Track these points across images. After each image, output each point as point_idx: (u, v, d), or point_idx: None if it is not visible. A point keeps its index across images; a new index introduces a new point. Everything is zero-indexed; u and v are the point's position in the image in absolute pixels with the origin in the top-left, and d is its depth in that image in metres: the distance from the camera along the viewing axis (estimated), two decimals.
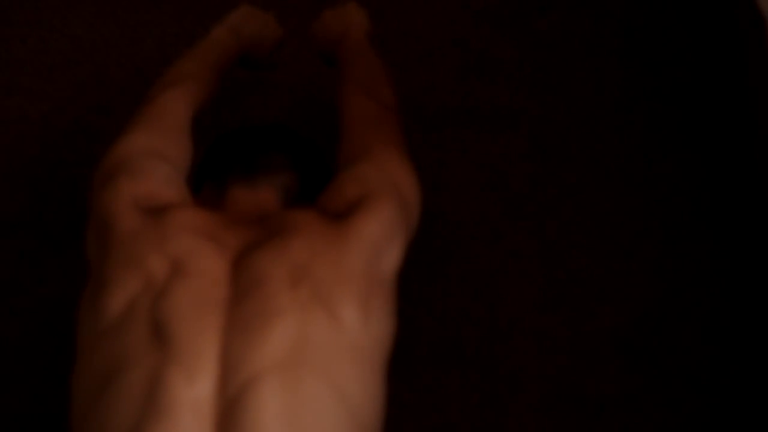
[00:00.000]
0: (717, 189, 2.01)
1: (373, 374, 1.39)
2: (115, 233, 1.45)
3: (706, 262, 1.96)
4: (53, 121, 2.10)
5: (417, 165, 2.06)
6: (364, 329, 1.39)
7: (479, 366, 1.88)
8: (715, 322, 1.92)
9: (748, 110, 2.05)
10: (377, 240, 1.46)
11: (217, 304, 1.38)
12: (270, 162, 1.61)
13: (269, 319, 1.35)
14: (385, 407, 1.41)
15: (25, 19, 2.19)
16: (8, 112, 2.10)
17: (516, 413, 1.85)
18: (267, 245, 1.43)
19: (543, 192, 2.02)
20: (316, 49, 1.89)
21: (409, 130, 2.09)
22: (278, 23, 1.88)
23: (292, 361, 1.33)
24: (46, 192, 2.02)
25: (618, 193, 2.02)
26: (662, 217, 2.00)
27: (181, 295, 1.37)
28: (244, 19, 1.83)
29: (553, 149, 2.06)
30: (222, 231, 1.47)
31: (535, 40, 2.15)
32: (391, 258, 1.47)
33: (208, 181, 1.62)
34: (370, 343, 1.39)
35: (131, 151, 1.57)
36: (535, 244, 1.98)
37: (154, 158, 1.56)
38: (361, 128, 1.63)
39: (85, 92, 2.12)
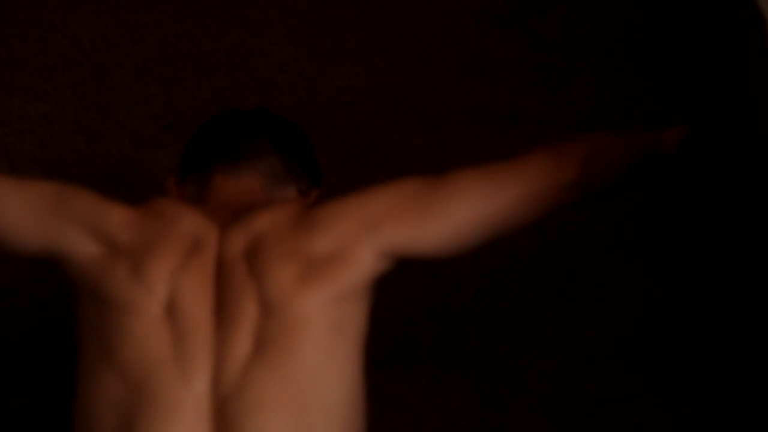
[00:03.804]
0: (717, 189, 2.01)
1: (332, 347, 1.40)
2: (113, 226, 1.45)
3: (706, 262, 1.96)
4: (53, 121, 2.10)
5: (417, 165, 2.06)
6: (309, 305, 1.39)
7: (479, 366, 1.88)
8: (715, 322, 1.92)
9: (748, 110, 2.05)
10: (338, 226, 1.45)
11: (211, 289, 1.40)
12: (252, 146, 1.60)
13: (238, 306, 1.38)
14: (360, 384, 1.42)
15: (25, 19, 2.19)
16: (8, 112, 2.10)
17: (516, 413, 1.85)
18: (238, 222, 1.45)
19: None
20: None
21: (409, 130, 2.09)
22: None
23: (264, 343, 1.35)
24: None
25: (618, 193, 2.01)
26: (662, 217, 2.00)
27: (192, 279, 1.40)
28: None
29: None
30: (210, 212, 1.48)
31: (535, 40, 2.15)
32: (358, 250, 1.45)
33: (191, 173, 1.62)
34: (318, 317, 1.40)
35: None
36: (534, 244, 1.98)
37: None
38: (504, 162, 1.54)
39: (85, 92, 2.12)
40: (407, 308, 1.92)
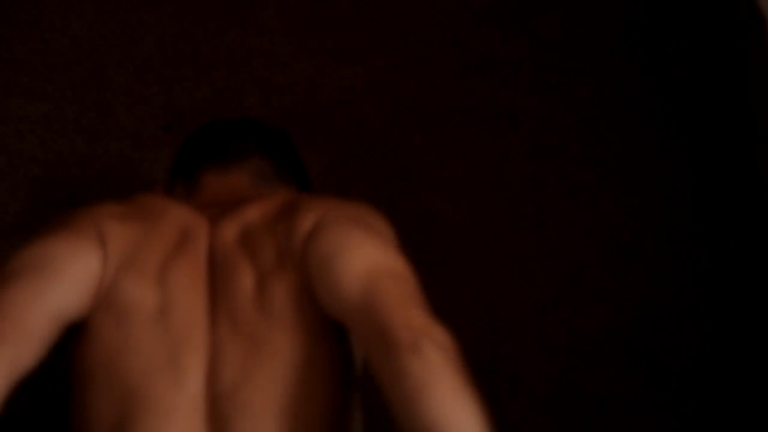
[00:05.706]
0: (717, 189, 2.01)
1: (324, 344, 1.37)
2: (108, 229, 1.44)
3: (706, 262, 1.96)
4: (53, 121, 2.10)
5: (417, 165, 2.06)
6: (289, 296, 1.38)
7: (479, 366, 1.88)
8: (715, 322, 1.92)
9: (748, 110, 2.05)
10: (310, 216, 1.43)
11: (204, 281, 1.39)
12: (242, 149, 1.61)
13: (234, 299, 1.37)
14: (354, 385, 1.41)
15: (25, 19, 2.19)
16: (8, 112, 2.10)
17: (516, 413, 1.85)
18: (228, 214, 1.45)
19: (543, 192, 2.03)
20: None
21: (409, 130, 2.09)
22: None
23: (258, 338, 1.35)
24: (46, 192, 2.02)
25: (618, 193, 2.02)
26: (662, 217, 2.00)
27: (184, 271, 1.39)
28: None
29: (553, 149, 2.06)
30: (199, 207, 1.48)
31: (535, 40, 2.15)
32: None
33: (180, 177, 1.62)
34: (308, 310, 1.38)
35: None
36: (535, 244, 1.98)
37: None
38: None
39: (85, 92, 2.12)
40: None
